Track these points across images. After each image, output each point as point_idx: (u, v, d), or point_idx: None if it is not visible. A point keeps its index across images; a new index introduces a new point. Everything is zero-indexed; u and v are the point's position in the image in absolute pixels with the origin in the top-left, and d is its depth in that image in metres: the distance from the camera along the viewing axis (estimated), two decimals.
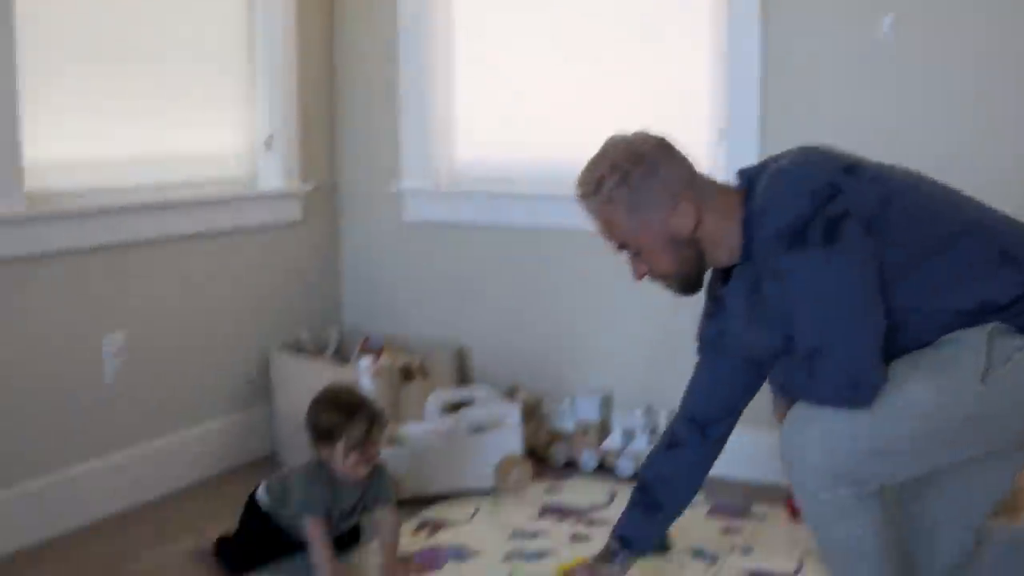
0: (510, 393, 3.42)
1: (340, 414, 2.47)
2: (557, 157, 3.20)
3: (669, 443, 2.22)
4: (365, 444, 2.46)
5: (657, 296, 3.38)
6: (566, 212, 3.45)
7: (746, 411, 2.23)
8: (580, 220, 2.12)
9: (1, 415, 2.68)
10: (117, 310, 2.98)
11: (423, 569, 2.55)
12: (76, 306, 2.86)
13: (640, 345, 3.37)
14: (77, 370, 2.87)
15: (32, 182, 2.70)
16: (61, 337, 2.82)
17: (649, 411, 3.29)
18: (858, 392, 1.79)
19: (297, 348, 3.51)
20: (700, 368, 2.21)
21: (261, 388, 3.44)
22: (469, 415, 3.08)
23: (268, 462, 3.34)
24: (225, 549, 2.59)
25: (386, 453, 2.90)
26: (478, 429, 3.07)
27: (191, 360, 3.22)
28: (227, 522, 2.65)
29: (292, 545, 2.55)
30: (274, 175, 3.51)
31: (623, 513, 2.26)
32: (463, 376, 3.58)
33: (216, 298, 3.30)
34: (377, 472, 2.55)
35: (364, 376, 3.10)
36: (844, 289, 1.81)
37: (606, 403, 3.38)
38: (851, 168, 1.89)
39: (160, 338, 3.11)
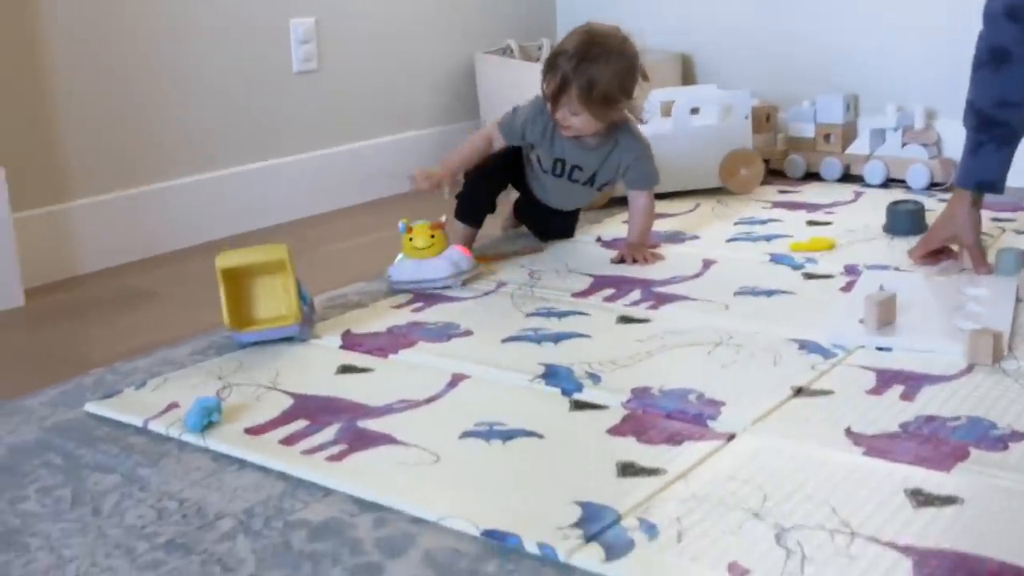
0: None
1: (564, 45, 2.07)
2: None
3: (991, 61, 1.86)
4: (555, 103, 2.08)
5: None
6: None
7: None
8: None
9: (184, 101, 2.49)
10: None
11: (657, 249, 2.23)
12: None
13: (892, 37, 2.88)
14: (263, 56, 2.65)
15: None
16: (246, 19, 2.59)
17: (901, 110, 2.82)
18: None
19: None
20: None
21: (465, 98, 3.16)
22: (688, 106, 2.70)
23: None
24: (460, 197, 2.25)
25: None
26: (700, 125, 2.69)
27: (386, 60, 2.96)
28: None
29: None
30: None
31: (967, 160, 1.92)
32: (688, 82, 3.19)
33: None
34: (624, 147, 2.17)
35: None
36: None
37: (851, 104, 2.93)
38: None
39: (353, 29, 2.85)
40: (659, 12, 3.25)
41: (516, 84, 2.96)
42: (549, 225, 2.31)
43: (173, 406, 1.52)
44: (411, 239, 2.01)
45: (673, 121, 2.67)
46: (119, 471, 1.35)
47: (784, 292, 1.91)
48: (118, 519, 1.23)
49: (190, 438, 1.42)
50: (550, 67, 2.08)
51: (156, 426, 1.47)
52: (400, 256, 2.04)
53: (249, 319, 1.78)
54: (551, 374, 1.57)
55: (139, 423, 1.48)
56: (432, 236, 2.00)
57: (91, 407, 1.55)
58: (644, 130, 2.66)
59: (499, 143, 2.18)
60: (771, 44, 3.08)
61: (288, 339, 1.78)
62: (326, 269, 2.26)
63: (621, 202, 2.61)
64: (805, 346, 1.63)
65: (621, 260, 2.14)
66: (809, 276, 2.00)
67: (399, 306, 1.94)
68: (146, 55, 2.41)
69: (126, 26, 2.37)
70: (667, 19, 3.24)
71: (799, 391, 1.47)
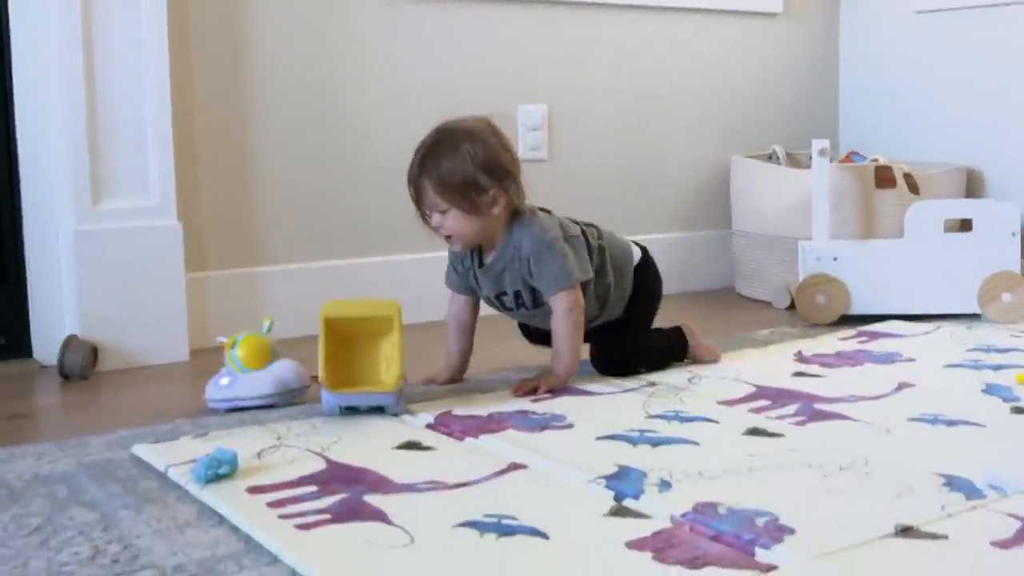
0: None
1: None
2: None
3: None
4: (420, 209, 1.76)
5: None
6: None
7: None
8: None
9: (391, 180, 2.44)
10: (536, 79, 2.64)
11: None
12: (489, 68, 2.57)
13: None
14: None
15: None
16: (470, 103, 2.52)
17: None
18: None
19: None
20: None
21: (716, 204, 2.92)
22: (941, 218, 2.34)
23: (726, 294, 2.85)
24: None
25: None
26: (955, 240, 2.32)
27: (628, 155, 2.80)
28: None
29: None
30: None
31: None
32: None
33: (665, 84, 2.84)
34: (517, 241, 1.77)
35: (818, 165, 2.45)
36: None
37: None
38: None
39: (590, 119, 2.72)
40: (945, 122, 2.89)
41: (771, 192, 2.71)
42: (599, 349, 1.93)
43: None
44: (232, 351, 1.74)
45: (920, 234, 2.32)
46: (102, 510, 1.26)
47: (973, 424, 1.54)
48: (53, 553, 1.13)
49: (193, 488, 1.31)
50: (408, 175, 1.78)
51: (174, 473, 1.36)
52: (222, 370, 1.75)
53: (349, 380, 1.64)
54: (619, 476, 1.32)
55: (162, 468, 1.39)
56: (255, 349, 1.74)
57: (138, 449, 1.47)
58: (901, 245, 2.35)
59: (456, 300, 1.90)
60: None
61: (381, 410, 1.63)
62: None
63: (853, 320, 2.30)
64: (952, 483, 1.28)
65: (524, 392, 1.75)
66: (1020, 411, 1.61)
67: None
68: (354, 132, 2.40)
69: (335, 103, 2.38)
70: (954, 130, 2.87)
71: (905, 530, 1.14)
